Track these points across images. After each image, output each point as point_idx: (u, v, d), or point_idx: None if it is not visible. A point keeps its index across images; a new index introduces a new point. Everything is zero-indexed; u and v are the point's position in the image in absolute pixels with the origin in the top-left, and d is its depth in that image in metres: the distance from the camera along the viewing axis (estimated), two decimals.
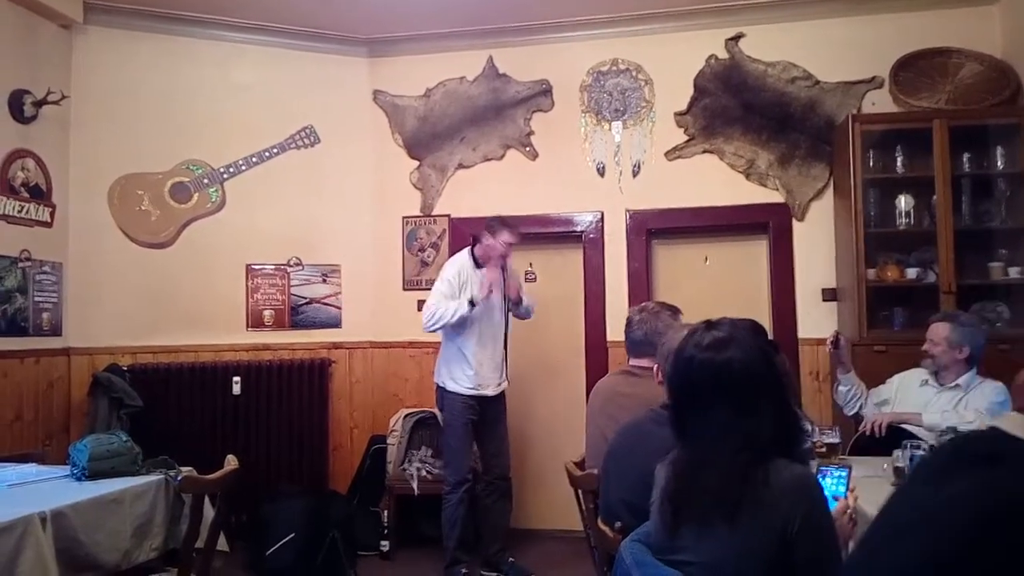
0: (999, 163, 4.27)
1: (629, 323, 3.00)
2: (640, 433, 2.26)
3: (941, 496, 1.13)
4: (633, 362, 2.97)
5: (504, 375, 4.31)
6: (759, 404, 1.59)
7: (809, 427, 2.98)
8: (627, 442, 2.31)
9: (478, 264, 4.22)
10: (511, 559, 4.27)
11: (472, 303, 4.04)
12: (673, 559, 1.59)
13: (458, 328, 4.13)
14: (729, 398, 1.60)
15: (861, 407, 3.52)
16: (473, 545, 4.30)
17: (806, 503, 1.53)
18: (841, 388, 3.57)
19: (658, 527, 1.66)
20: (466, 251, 4.32)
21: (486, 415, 4.24)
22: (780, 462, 1.56)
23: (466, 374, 4.16)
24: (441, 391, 4.24)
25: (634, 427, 2.32)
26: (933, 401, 3.28)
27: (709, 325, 1.71)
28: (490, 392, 4.21)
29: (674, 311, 2.97)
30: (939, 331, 3.31)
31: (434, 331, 4.21)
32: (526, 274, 4.67)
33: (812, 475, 1.62)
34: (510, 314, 4.33)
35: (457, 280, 4.17)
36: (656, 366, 2.42)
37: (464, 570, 4.12)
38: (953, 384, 3.28)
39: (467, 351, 4.16)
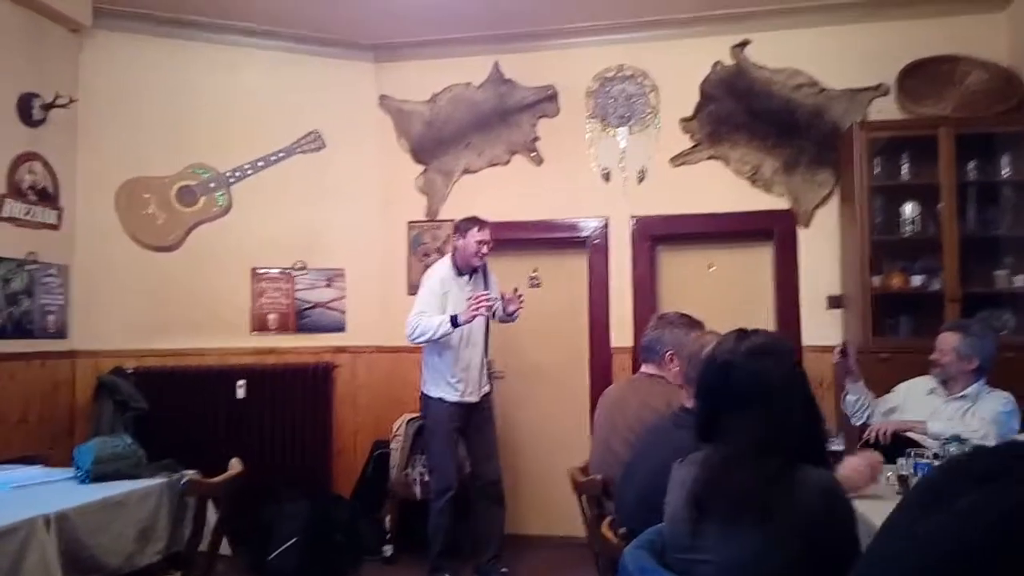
0: (1005, 171, 4.26)
1: (645, 329, 3.01)
2: (660, 432, 2.29)
3: (943, 516, 1.03)
4: (644, 368, 2.97)
5: (486, 379, 4.25)
6: (790, 412, 1.65)
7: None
8: (646, 442, 2.33)
9: (460, 272, 4.17)
10: (504, 569, 4.19)
11: (455, 323, 3.96)
12: (691, 558, 1.61)
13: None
14: (763, 404, 1.65)
15: (869, 417, 3.47)
16: (458, 554, 4.24)
17: (835, 511, 1.58)
18: (849, 398, 3.53)
19: (678, 525, 1.68)
20: (447, 259, 4.25)
21: (472, 421, 4.19)
22: (808, 468, 1.60)
23: (448, 382, 4.10)
24: (425, 398, 4.20)
25: (655, 428, 2.36)
26: (940, 410, 3.25)
27: (745, 333, 1.77)
28: (473, 399, 4.16)
29: (691, 324, 2.93)
30: (948, 340, 3.27)
31: (417, 344, 4.16)
32: (531, 280, 4.64)
33: (839, 483, 1.68)
34: (490, 320, 4.26)
35: (440, 289, 4.10)
36: (674, 370, 2.43)
37: None
38: (961, 394, 3.24)
39: (444, 359, 4.10)
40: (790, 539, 1.53)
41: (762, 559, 1.53)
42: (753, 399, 1.66)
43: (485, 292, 4.07)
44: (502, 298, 4.18)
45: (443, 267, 4.22)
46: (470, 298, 3.99)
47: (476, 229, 4.08)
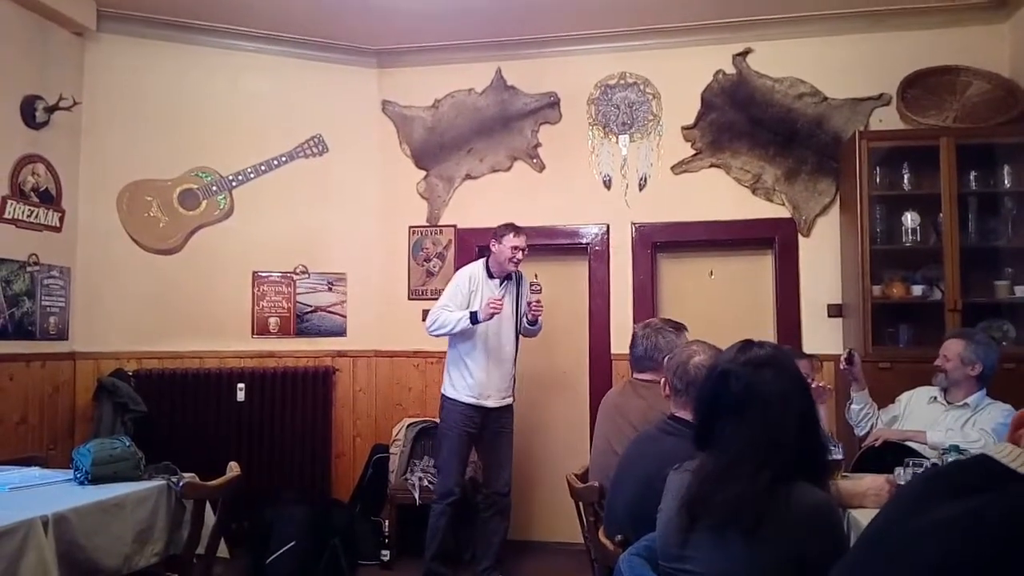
0: (1006, 181, 4.26)
1: (633, 338, 3.02)
2: (648, 440, 2.28)
3: (924, 524, 1.08)
4: (636, 376, 2.98)
5: (511, 390, 4.27)
6: (787, 424, 1.62)
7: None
8: (636, 450, 2.33)
9: (491, 275, 4.22)
10: None
11: (475, 319, 4.03)
12: (680, 568, 1.60)
13: (464, 336, 4.13)
14: (758, 415, 1.63)
15: (873, 427, 3.47)
16: (456, 560, 4.24)
17: (827, 530, 1.56)
18: (854, 407, 3.52)
19: (669, 533, 1.67)
20: (481, 261, 4.32)
21: (487, 427, 4.20)
22: (804, 485, 1.58)
23: (466, 382, 4.14)
24: (443, 399, 4.23)
25: (644, 436, 2.35)
26: (940, 419, 3.26)
27: (750, 344, 1.76)
28: (491, 403, 4.17)
29: (678, 328, 2.99)
30: (953, 347, 3.29)
31: (436, 336, 4.23)
32: (532, 286, 4.63)
33: (834, 503, 1.65)
34: (520, 332, 4.28)
35: (467, 287, 4.18)
36: (663, 379, 2.43)
37: None
38: (961, 403, 3.25)
39: (470, 360, 4.14)
40: (777, 554, 1.52)
41: (748, 572, 1.52)
42: (747, 409, 1.65)
43: (499, 297, 4.10)
44: (528, 306, 4.21)
45: (476, 267, 4.29)
46: (491, 298, 4.05)
47: (512, 235, 4.15)
